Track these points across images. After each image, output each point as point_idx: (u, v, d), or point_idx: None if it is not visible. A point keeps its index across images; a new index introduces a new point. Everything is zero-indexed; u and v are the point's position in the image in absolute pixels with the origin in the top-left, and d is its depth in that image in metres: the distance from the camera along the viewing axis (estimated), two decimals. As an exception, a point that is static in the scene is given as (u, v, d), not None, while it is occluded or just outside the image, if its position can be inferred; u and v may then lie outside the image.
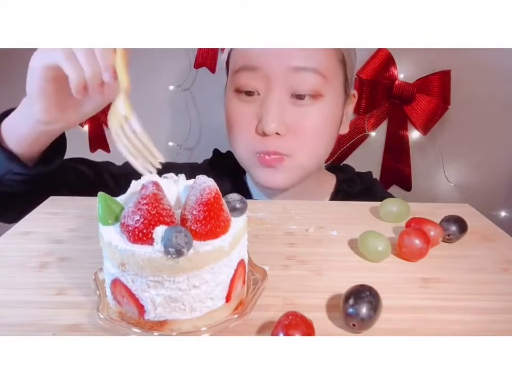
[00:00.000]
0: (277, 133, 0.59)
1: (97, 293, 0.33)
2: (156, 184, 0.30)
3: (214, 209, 0.29)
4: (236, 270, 0.32)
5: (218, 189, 0.31)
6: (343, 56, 0.62)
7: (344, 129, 0.70)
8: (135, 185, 0.34)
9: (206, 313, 0.31)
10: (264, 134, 0.60)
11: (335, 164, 0.90)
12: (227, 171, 0.74)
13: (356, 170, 0.81)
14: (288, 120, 0.60)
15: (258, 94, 0.61)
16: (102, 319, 0.30)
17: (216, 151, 0.82)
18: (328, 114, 0.62)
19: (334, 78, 0.61)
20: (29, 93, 0.49)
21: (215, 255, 0.29)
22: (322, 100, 0.60)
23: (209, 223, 0.29)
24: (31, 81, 0.48)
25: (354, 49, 0.66)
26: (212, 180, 0.31)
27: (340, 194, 0.73)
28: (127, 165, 0.68)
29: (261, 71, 0.59)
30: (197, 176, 0.32)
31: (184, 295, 0.29)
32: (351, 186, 0.74)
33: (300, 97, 0.60)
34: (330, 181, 0.76)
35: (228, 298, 0.32)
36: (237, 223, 0.32)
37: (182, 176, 0.35)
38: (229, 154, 0.80)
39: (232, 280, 0.32)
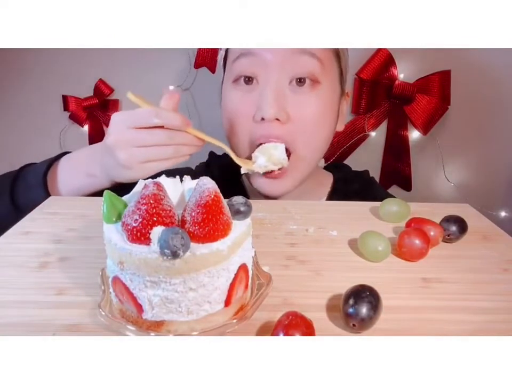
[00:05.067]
0: (278, 120, 0.59)
1: (102, 288, 0.33)
2: (157, 184, 0.30)
3: (212, 212, 0.29)
4: (236, 275, 0.31)
5: (218, 191, 0.31)
6: (337, 49, 0.63)
7: (340, 127, 0.70)
8: (139, 184, 0.34)
9: (203, 316, 0.31)
10: (262, 120, 0.59)
11: (332, 163, 0.90)
12: (223, 173, 0.73)
13: (355, 170, 0.81)
14: (288, 107, 0.59)
15: (257, 82, 0.60)
16: (103, 316, 0.30)
17: (212, 154, 0.81)
18: (326, 103, 0.62)
19: (330, 67, 0.61)
20: (110, 143, 0.53)
21: (213, 259, 0.29)
22: (320, 87, 0.60)
23: (207, 226, 0.29)
24: (115, 133, 0.53)
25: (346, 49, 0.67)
26: (213, 182, 0.31)
27: (336, 193, 0.73)
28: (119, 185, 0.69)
29: (259, 57, 0.59)
30: (200, 178, 0.32)
31: (180, 297, 0.29)
32: (348, 185, 0.74)
33: (299, 82, 0.59)
34: (327, 179, 0.76)
35: (227, 302, 0.31)
36: (239, 227, 0.31)
37: (188, 177, 0.35)
38: (225, 156, 0.79)
39: (232, 285, 0.31)
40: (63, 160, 0.62)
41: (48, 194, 0.58)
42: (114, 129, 0.53)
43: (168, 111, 0.52)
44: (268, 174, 0.62)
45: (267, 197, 0.67)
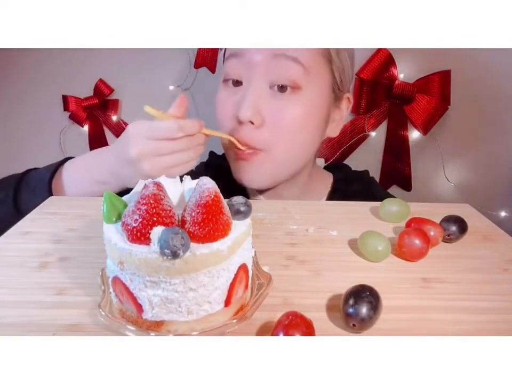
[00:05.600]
0: (252, 122, 0.59)
1: (102, 288, 0.33)
2: (157, 184, 0.30)
3: (212, 212, 0.29)
4: (236, 275, 0.31)
5: (218, 191, 0.30)
6: (328, 53, 0.61)
7: (334, 132, 0.68)
8: (139, 184, 0.34)
9: (203, 316, 0.30)
10: (240, 123, 0.59)
11: (332, 163, 0.89)
12: (223, 173, 0.73)
13: (355, 170, 0.80)
14: (264, 111, 0.59)
15: (242, 83, 0.61)
16: (103, 316, 0.30)
17: (212, 153, 0.81)
18: (307, 109, 0.60)
19: (316, 73, 0.60)
20: (134, 156, 0.53)
21: (213, 259, 0.29)
22: (301, 93, 0.59)
23: (207, 226, 0.29)
24: (137, 145, 0.53)
25: (349, 50, 0.65)
26: (213, 182, 0.31)
27: (337, 193, 0.73)
28: None
29: (244, 58, 0.59)
30: (200, 178, 0.32)
31: (180, 297, 0.29)
32: (348, 185, 0.74)
33: (281, 89, 0.59)
34: (327, 179, 0.76)
35: (227, 302, 0.31)
36: (239, 227, 0.31)
37: (188, 177, 0.35)
38: (225, 156, 0.79)
39: (232, 285, 0.31)
40: (68, 167, 0.61)
41: None
42: (135, 141, 0.53)
43: (187, 121, 0.54)
44: (239, 153, 0.62)
45: (254, 190, 0.68)
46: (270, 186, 0.66)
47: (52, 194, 0.58)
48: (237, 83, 0.61)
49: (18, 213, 0.57)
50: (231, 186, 0.72)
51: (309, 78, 0.59)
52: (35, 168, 0.64)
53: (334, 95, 0.65)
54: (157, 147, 0.53)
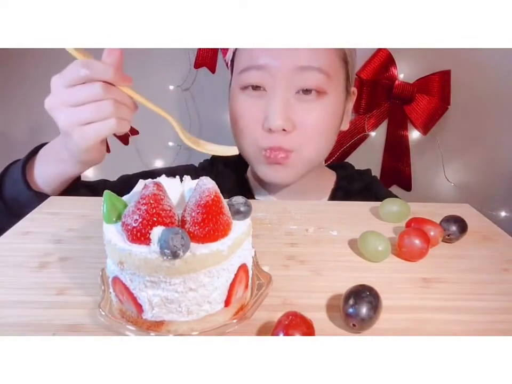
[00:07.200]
0: (283, 129, 0.60)
1: (102, 288, 0.33)
2: (157, 184, 0.30)
3: (212, 212, 0.29)
4: (236, 275, 0.31)
5: (218, 191, 0.31)
6: (345, 55, 0.63)
7: (345, 126, 0.71)
8: (139, 184, 0.34)
9: (203, 316, 0.31)
10: (270, 131, 0.60)
11: (333, 163, 0.90)
12: (228, 170, 0.74)
13: (358, 169, 0.81)
14: (294, 116, 0.60)
15: (265, 90, 0.61)
16: (103, 316, 0.30)
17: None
18: (331, 111, 0.63)
19: (336, 76, 0.62)
20: (47, 106, 0.51)
21: (213, 259, 0.29)
22: (326, 97, 0.61)
23: (207, 226, 0.29)
24: (51, 94, 0.51)
25: (354, 48, 0.67)
26: (213, 182, 0.31)
27: (339, 191, 0.74)
28: (122, 179, 0.70)
29: (266, 71, 0.60)
30: (200, 178, 0.32)
31: (180, 297, 0.29)
32: (351, 183, 0.75)
33: (305, 91, 0.60)
34: (330, 177, 0.77)
35: (227, 302, 0.31)
36: (239, 227, 0.31)
37: (188, 177, 0.36)
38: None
39: (232, 285, 0.31)
40: (41, 150, 0.60)
41: (28, 186, 0.57)
42: (51, 92, 0.51)
43: (100, 62, 0.48)
44: (270, 158, 0.62)
45: (272, 185, 0.69)
46: (294, 182, 0.67)
47: (26, 179, 0.57)
48: (257, 87, 0.62)
49: (3, 202, 0.57)
50: (236, 182, 0.73)
51: (331, 83, 0.61)
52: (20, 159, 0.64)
53: (347, 92, 0.67)
54: (69, 94, 0.49)
